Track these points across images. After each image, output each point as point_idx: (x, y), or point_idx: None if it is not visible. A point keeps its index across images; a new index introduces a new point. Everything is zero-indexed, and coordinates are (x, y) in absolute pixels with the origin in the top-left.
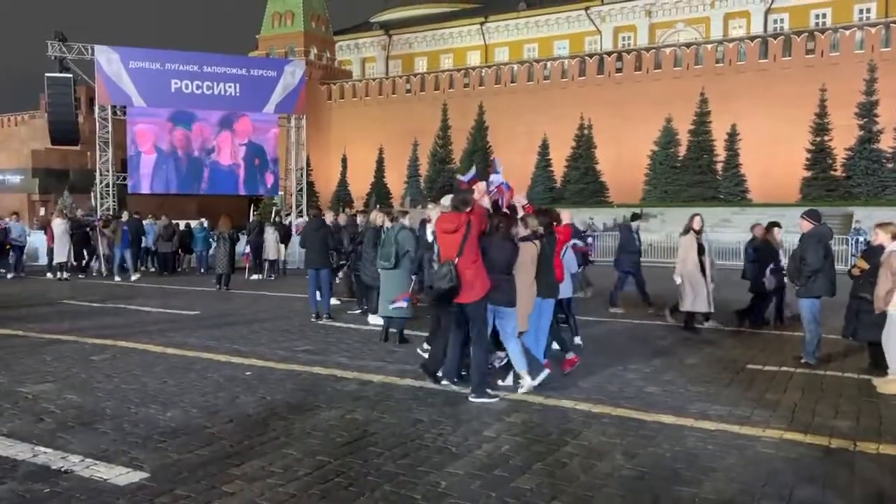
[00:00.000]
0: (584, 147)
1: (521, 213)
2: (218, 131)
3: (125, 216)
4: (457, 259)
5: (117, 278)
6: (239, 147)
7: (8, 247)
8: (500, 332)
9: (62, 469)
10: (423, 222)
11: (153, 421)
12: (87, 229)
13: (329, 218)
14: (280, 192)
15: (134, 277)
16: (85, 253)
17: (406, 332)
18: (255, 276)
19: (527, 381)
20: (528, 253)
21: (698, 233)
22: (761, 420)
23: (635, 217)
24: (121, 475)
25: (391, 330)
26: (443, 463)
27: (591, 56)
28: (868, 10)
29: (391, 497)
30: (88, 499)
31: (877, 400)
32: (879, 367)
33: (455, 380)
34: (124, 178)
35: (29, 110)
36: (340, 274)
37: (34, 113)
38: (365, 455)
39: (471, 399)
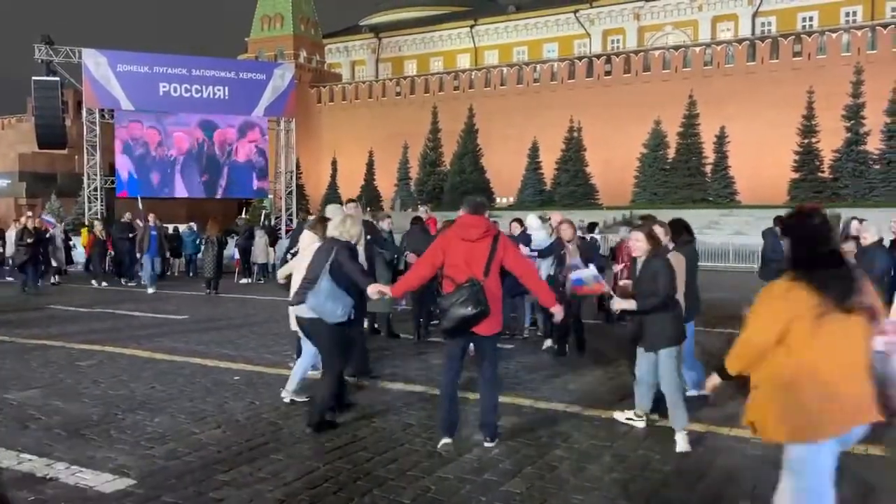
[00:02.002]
0: (573, 150)
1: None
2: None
3: (152, 220)
4: (483, 279)
5: (150, 290)
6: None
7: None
8: (662, 379)
9: (47, 476)
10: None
11: (140, 427)
12: (132, 235)
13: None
14: (269, 196)
15: (151, 290)
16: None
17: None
18: (244, 280)
19: (683, 443)
20: (682, 267)
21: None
22: None
23: (779, 221)
24: (107, 482)
25: (375, 325)
26: (432, 467)
27: (580, 59)
28: (854, 13)
29: (380, 502)
30: None
31: None
32: None
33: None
34: (112, 182)
35: (16, 114)
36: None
37: (21, 116)
38: (354, 460)
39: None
